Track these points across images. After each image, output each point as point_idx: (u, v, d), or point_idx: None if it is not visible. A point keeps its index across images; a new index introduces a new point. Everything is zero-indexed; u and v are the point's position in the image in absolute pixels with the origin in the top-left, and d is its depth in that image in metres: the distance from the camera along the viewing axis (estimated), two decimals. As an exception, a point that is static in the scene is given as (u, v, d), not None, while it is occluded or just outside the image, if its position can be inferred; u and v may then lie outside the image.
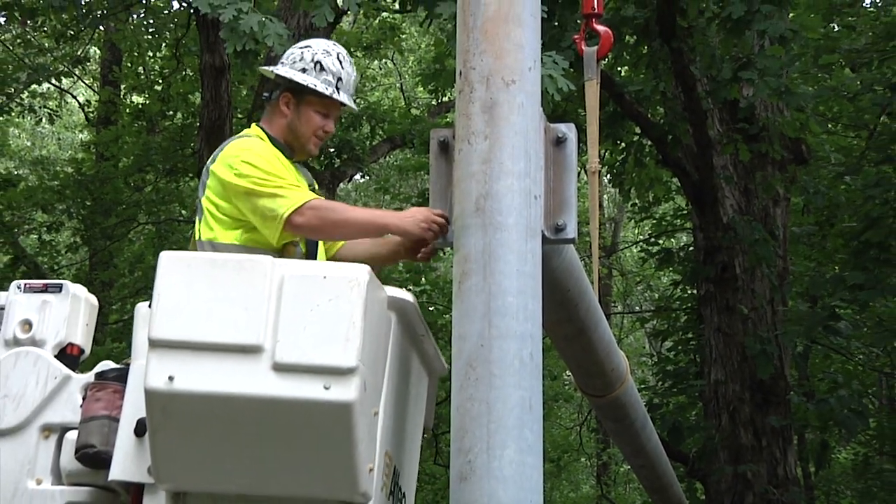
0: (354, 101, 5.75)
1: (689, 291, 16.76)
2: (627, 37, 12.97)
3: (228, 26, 9.30)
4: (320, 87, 5.54)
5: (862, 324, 13.06)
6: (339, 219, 5.18)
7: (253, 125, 5.76)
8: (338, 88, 5.59)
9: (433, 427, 5.01)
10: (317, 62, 5.57)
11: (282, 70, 5.61)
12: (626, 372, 5.93)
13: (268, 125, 5.63)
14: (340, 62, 5.61)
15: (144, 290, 18.03)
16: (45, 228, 19.08)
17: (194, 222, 5.50)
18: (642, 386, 17.44)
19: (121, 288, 18.86)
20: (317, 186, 5.72)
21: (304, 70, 5.57)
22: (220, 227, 5.26)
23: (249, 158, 5.30)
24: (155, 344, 4.06)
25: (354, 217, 5.24)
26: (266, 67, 5.83)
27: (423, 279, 18.38)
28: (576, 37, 6.25)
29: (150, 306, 4.29)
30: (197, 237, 5.34)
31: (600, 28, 6.04)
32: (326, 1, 9.63)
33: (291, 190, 5.16)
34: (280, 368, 3.98)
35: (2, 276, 18.58)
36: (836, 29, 14.76)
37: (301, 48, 5.69)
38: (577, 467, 27.25)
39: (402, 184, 23.98)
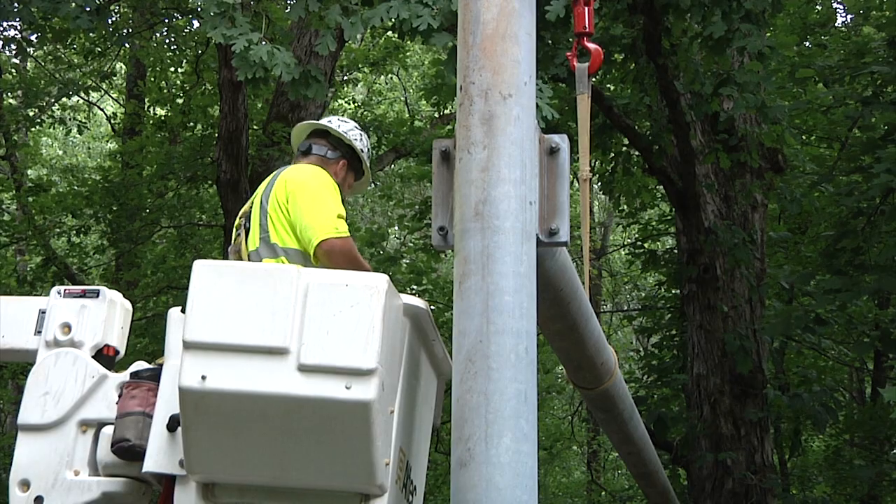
0: None
1: (673, 291, 16.75)
2: (616, 54, 12.95)
3: (240, 56, 9.34)
4: (367, 174, 6.09)
5: (833, 322, 13.06)
6: (356, 259, 5.41)
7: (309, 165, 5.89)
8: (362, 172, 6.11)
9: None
10: (365, 146, 6.04)
11: (354, 140, 6.01)
12: (615, 366, 5.93)
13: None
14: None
15: (166, 289, 18.04)
16: (74, 231, 19.02)
17: (230, 228, 5.67)
18: (629, 377, 17.44)
19: (144, 287, 18.82)
20: None
21: (363, 150, 6.03)
22: (286, 234, 5.42)
23: (320, 183, 5.63)
24: (189, 346, 4.09)
25: (361, 263, 5.46)
26: (332, 128, 6.04)
27: (425, 279, 18.37)
28: (568, 54, 6.27)
29: (182, 311, 4.32)
30: (251, 245, 5.47)
31: (591, 46, 6.07)
32: (330, 31, 9.69)
33: (340, 221, 5.46)
34: (305, 369, 4.02)
35: (34, 276, 18.62)
36: (810, 47, 14.77)
37: (358, 129, 6.12)
38: (568, 455, 27.18)
39: (405, 190, 23.94)
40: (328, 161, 5.91)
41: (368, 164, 6.05)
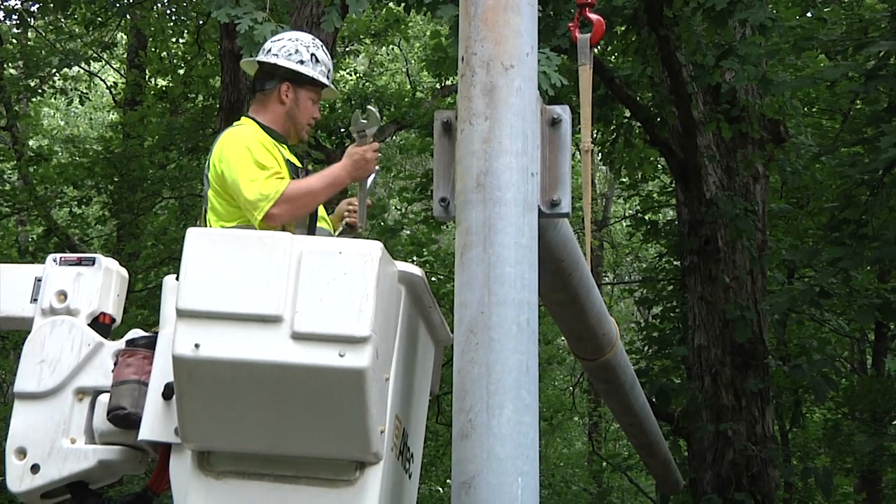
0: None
1: (674, 262, 16.75)
2: (618, 25, 12.93)
3: (245, 35, 9.33)
4: (321, 78, 5.72)
5: (834, 293, 13.06)
6: (307, 198, 5.36)
7: (243, 117, 5.81)
8: (327, 77, 5.78)
9: (435, 389, 5.05)
10: (312, 55, 5.71)
11: (282, 62, 5.70)
12: (616, 337, 5.92)
13: (261, 115, 5.75)
14: (325, 54, 5.81)
15: (168, 260, 18.02)
16: (75, 202, 19.04)
17: (203, 209, 5.59)
18: (629, 348, 17.43)
19: (146, 258, 18.82)
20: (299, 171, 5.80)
21: (301, 62, 5.69)
22: (223, 215, 5.37)
23: (235, 153, 5.44)
24: (182, 314, 4.08)
25: (317, 188, 5.42)
26: (259, 59, 5.87)
27: (425, 251, 18.38)
28: (570, 25, 6.24)
29: (177, 279, 4.30)
30: (206, 225, 5.43)
31: (593, 17, 6.05)
32: (335, 7, 9.68)
33: (267, 182, 5.30)
34: (298, 337, 4.00)
35: (36, 246, 18.64)
36: (811, 18, 14.71)
37: (293, 41, 5.82)
38: (570, 425, 27.25)
39: (407, 161, 23.94)
40: (268, 93, 5.75)
41: (318, 72, 5.75)
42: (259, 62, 5.85)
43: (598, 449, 25.23)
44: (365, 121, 5.57)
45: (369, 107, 5.66)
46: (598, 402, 23.48)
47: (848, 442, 16.38)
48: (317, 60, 5.75)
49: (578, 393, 24.82)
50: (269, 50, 5.83)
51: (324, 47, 5.86)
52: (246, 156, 5.41)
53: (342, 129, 18.50)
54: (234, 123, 5.86)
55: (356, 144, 5.53)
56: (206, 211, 5.55)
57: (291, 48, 5.76)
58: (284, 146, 5.71)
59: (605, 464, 24.80)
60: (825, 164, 14.31)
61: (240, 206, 5.36)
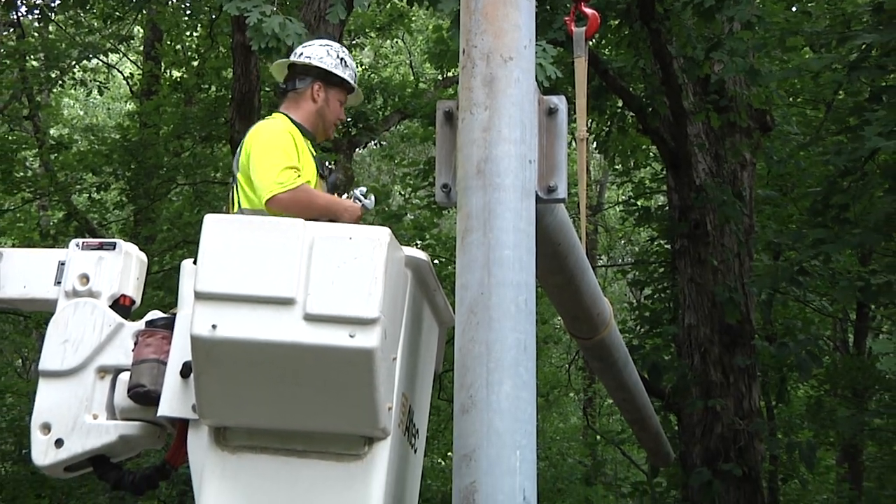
0: None
1: (665, 246, 16.74)
2: (612, 19, 12.93)
3: (254, 28, 9.32)
4: (348, 78, 5.86)
5: (818, 275, 13.07)
6: (308, 202, 5.36)
7: (275, 112, 5.87)
8: (354, 81, 5.94)
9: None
10: (341, 59, 5.85)
11: (316, 62, 5.83)
12: (610, 317, 5.92)
13: (292, 111, 5.82)
14: (352, 61, 6.00)
15: (183, 243, 18.04)
16: (94, 188, 19.04)
17: (231, 190, 5.60)
18: (622, 327, 17.44)
19: (161, 242, 18.82)
20: (324, 166, 5.89)
21: (333, 65, 5.83)
22: (254, 200, 5.38)
23: (266, 139, 5.52)
24: (200, 296, 4.09)
25: (319, 201, 5.45)
26: (292, 60, 5.96)
27: (428, 235, 18.38)
28: (566, 19, 6.24)
29: (194, 263, 4.31)
30: (236, 206, 5.45)
31: (588, 11, 6.05)
32: (340, 1, 9.67)
33: (286, 172, 5.36)
34: (310, 318, 4.02)
35: (56, 230, 18.65)
36: (797, 13, 14.68)
37: (323, 46, 5.97)
38: (565, 401, 27.28)
39: (410, 150, 23.91)
40: (300, 92, 5.84)
41: (347, 74, 5.89)
42: (293, 63, 5.94)
43: (592, 423, 25.27)
44: (367, 199, 5.70)
45: (372, 196, 5.80)
46: (593, 379, 23.47)
47: (830, 417, 16.41)
48: (346, 65, 5.89)
49: (574, 370, 24.83)
50: (302, 53, 5.95)
51: (349, 55, 6.01)
52: (272, 143, 5.49)
53: (349, 119, 18.47)
54: (267, 117, 5.92)
55: (350, 200, 5.63)
56: (234, 194, 5.57)
57: (323, 52, 5.89)
58: (310, 142, 5.76)
59: (599, 437, 24.84)
60: (810, 152, 14.29)
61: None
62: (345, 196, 5.68)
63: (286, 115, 5.79)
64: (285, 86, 5.93)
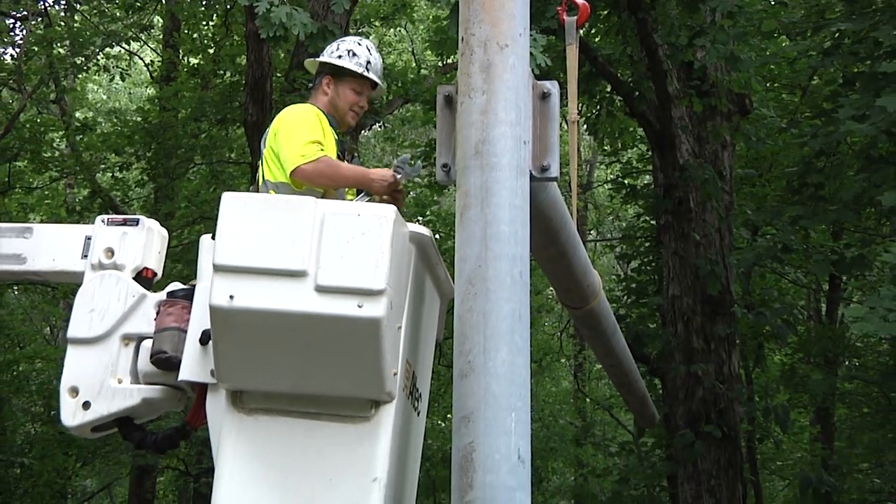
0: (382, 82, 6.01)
1: (651, 222, 16.75)
2: (601, 9, 12.91)
3: (263, 17, 9.30)
4: (353, 67, 5.78)
5: (795, 249, 13.08)
6: (333, 173, 5.36)
7: (306, 104, 5.88)
8: (367, 69, 5.81)
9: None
10: (349, 50, 5.89)
11: (323, 58, 5.87)
12: (600, 288, 5.91)
13: (315, 104, 5.81)
14: (368, 50, 5.96)
15: (200, 219, 18.05)
16: (117, 167, 19.07)
17: (257, 166, 5.65)
18: (610, 296, 17.44)
19: (180, 218, 18.85)
20: (344, 151, 5.91)
21: (339, 57, 5.83)
22: (276, 170, 5.40)
23: (292, 117, 5.54)
24: (218, 269, 4.11)
25: (344, 172, 5.44)
26: (310, 60, 6.07)
27: (428, 212, 18.38)
28: (559, 8, 6.20)
29: (212, 238, 4.32)
30: (261, 180, 5.48)
31: (579, 1, 6.01)
32: None
33: (310, 146, 5.36)
34: (321, 290, 4.04)
35: (82, 206, 18.66)
36: (773, 3, 14.66)
37: (337, 41, 5.98)
38: (557, 367, 27.29)
39: (412, 132, 23.86)
40: (316, 87, 5.87)
41: (354, 64, 5.81)
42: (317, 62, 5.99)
43: (582, 387, 25.31)
44: (409, 166, 5.60)
45: (419, 162, 5.76)
46: (583, 346, 23.50)
47: (803, 382, 16.45)
48: (353, 55, 5.82)
49: (565, 338, 24.90)
50: (322, 53, 5.98)
51: (369, 46, 5.94)
52: (299, 120, 5.51)
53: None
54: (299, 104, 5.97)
55: (392, 171, 5.54)
56: (260, 171, 5.59)
57: (334, 47, 5.90)
58: (334, 130, 5.77)
59: (588, 400, 24.91)
60: (787, 134, 14.28)
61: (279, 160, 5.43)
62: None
63: (313, 104, 5.82)
64: (312, 83, 5.99)
